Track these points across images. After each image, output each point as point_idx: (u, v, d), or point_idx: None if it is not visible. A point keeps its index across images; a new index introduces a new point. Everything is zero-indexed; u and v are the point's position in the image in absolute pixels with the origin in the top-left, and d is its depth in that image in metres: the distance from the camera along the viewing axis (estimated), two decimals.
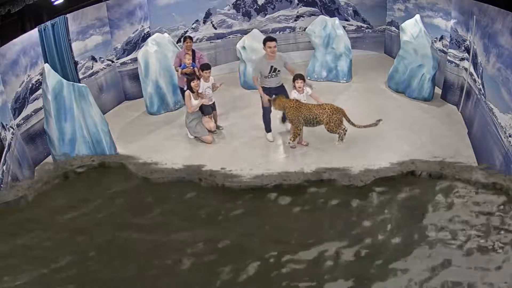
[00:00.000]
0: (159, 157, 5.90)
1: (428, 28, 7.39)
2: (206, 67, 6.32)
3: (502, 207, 4.53)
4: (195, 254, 4.14)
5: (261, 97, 6.00)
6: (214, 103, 6.57)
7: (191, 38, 6.68)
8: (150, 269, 4.00)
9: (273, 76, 5.96)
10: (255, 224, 4.53)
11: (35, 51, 6.13)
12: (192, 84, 6.08)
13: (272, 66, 5.89)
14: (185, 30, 8.46)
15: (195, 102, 6.22)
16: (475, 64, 6.21)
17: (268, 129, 6.29)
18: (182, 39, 6.85)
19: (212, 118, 6.57)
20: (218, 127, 6.65)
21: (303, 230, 4.40)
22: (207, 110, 6.46)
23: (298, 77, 5.77)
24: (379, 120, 5.83)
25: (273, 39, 5.89)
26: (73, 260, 4.10)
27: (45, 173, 5.54)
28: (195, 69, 6.51)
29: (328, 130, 5.82)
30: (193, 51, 6.62)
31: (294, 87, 5.85)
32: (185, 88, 6.58)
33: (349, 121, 5.85)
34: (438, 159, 5.50)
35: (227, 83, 7.57)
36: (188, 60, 6.48)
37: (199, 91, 6.24)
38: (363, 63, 8.77)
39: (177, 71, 6.61)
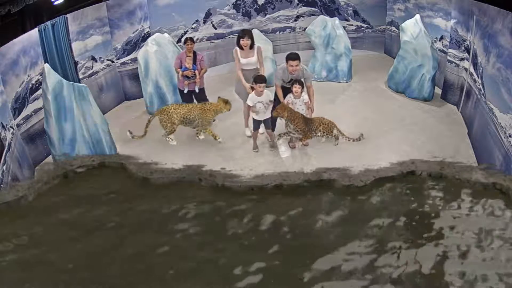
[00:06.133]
0: (159, 157, 5.91)
1: (428, 28, 7.39)
2: (260, 79, 5.78)
3: (501, 207, 4.53)
4: (196, 253, 4.15)
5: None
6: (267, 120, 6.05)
7: (192, 39, 6.52)
8: (150, 270, 4.00)
9: (289, 85, 5.95)
10: (254, 224, 4.53)
11: (35, 51, 6.12)
12: (241, 42, 5.99)
13: (292, 79, 5.87)
14: (185, 30, 8.46)
15: (244, 61, 6.06)
16: (475, 64, 6.21)
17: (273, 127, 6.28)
18: (183, 41, 6.73)
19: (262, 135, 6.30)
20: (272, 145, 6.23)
21: (303, 229, 4.40)
22: (256, 124, 6.06)
23: (297, 82, 5.76)
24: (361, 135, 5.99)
25: (295, 58, 5.68)
26: (73, 260, 4.11)
27: (45, 173, 5.55)
28: (196, 71, 6.47)
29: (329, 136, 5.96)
30: (194, 53, 6.56)
31: (291, 91, 5.84)
32: (185, 91, 6.56)
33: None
34: (438, 159, 5.51)
35: (227, 83, 7.57)
36: (188, 63, 6.41)
37: (250, 105, 5.89)
38: (363, 63, 8.77)
39: (177, 72, 6.56)
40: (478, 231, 4.20)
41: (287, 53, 5.91)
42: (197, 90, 6.56)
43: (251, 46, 6.08)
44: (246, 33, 6.06)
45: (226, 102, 6.29)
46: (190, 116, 6.13)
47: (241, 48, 6.07)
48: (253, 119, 6.01)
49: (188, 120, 6.16)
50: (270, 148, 6.13)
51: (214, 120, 6.65)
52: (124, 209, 4.87)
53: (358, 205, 4.77)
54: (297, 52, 5.95)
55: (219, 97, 6.35)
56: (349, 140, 5.95)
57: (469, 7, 6.35)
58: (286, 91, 5.97)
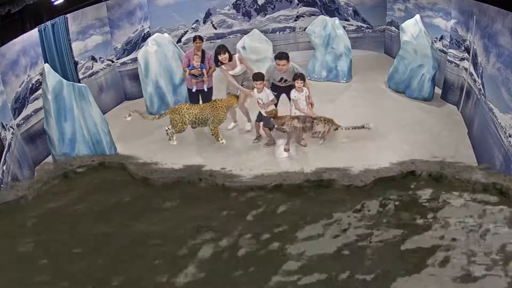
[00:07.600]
0: (159, 157, 5.91)
1: (428, 28, 7.39)
2: (256, 77, 5.89)
3: (501, 207, 4.53)
4: (196, 253, 4.15)
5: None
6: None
7: (201, 38, 6.50)
8: (151, 269, 4.00)
9: (282, 84, 6.02)
10: (255, 224, 4.53)
11: (35, 51, 6.13)
12: (220, 58, 6.06)
13: (282, 78, 5.95)
14: (185, 30, 8.47)
15: (232, 72, 6.17)
16: (475, 64, 6.21)
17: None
18: (192, 39, 6.73)
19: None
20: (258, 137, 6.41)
21: (303, 230, 4.40)
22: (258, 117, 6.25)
23: (298, 76, 5.78)
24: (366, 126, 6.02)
25: (283, 58, 5.77)
26: (73, 260, 4.11)
27: (45, 173, 5.55)
28: (203, 70, 6.45)
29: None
30: (203, 51, 6.53)
31: (284, 89, 5.88)
32: (193, 90, 6.55)
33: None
34: (438, 159, 5.51)
35: (226, 83, 7.57)
36: (196, 62, 6.39)
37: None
38: (363, 63, 8.77)
39: (185, 71, 6.55)
40: (478, 231, 4.19)
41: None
42: (205, 89, 6.56)
43: (230, 59, 6.16)
44: (221, 49, 6.13)
45: (237, 97, 6.31)
46: (203, 116, 6.14)
47: (221, 63, 6.16)
48: (259, 112, 6.17)
49: (201, 120, 6.17)
50: (264, 145, 6.21)
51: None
52: (124, 209, 4.87)
53: (357, 205, 4.77)
54: (293, 49, 5.99)
55: (228, 93, 6.38)
56: (353, 128, 6.01)
57: (469, 7, 6.35)
58: (279, 89, 6.03)
